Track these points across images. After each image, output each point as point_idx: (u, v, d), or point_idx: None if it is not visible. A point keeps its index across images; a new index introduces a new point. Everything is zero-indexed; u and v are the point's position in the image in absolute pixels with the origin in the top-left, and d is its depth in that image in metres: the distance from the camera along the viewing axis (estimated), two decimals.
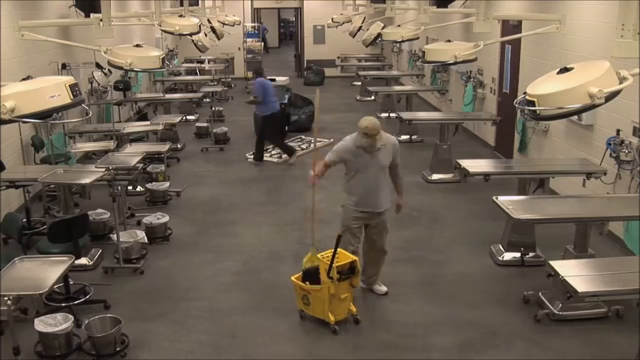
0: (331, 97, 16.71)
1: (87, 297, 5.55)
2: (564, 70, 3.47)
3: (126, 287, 5.93)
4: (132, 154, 7.39)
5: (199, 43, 12.24)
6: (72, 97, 3.68)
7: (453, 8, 10.46)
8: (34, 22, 6.93)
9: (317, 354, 4.86)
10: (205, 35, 12.60)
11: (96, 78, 10.05)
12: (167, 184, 8.44)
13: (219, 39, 14.46)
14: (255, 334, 5.12)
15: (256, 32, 20.16)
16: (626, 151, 6.26)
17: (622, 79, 3.33)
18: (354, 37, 15.52)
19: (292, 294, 5.77)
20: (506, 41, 9.69)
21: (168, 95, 13.07)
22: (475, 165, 6.60)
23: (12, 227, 5.79)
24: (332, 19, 17.48)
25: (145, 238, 6.49)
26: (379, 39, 12.23)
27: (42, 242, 5.73)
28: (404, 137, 10.95)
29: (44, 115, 3.66)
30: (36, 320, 4.61)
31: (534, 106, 3.42)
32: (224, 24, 15.43)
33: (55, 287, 4.46)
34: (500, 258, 6.24)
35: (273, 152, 10.55)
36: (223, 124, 12.74)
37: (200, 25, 7.86)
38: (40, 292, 4.15)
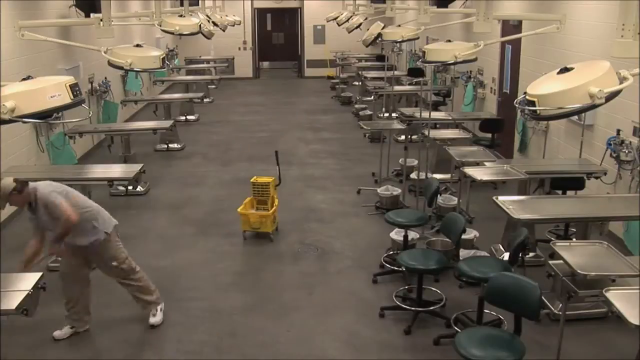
0: (330, 97, 16.75)
1: None
2: (564, 70, 3.46)
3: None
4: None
5: (205, 30, 12.14)
6: (72, 97, 3.67)
7: (453, 8, 10.46)
8: (34, 22, 6.93)
9: (317, 354, 4.86)
10: (209, 20, 12.53)
11: None
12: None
13: (223, 30, 14.47)
14: (255, 334, 5.12)
15: None
16: (626, 151, 6.26)
17: (622, 79, 3.32)
18: (350, 32, 15.47)
19: (293, 293, 5.79)
20: (506, 41, 9.69)
21: (168, 95, 13.07)
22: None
23: None
24: (330, 15, 17.41)
25: None
26: (379, 39, 12.23)
27: None
28: (404, 137, 10.92)
29: (44, 115, 3.65)
30: None
31: (534, 106, 3.41)
32: (225, 24, 15.45)
33: None
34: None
35: None
36: (221, 124, 12.76)
37: (200, 25, 7.84)
38: None
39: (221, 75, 17.02)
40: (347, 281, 6.06)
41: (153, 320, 5.21)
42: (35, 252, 4.79)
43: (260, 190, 6.99)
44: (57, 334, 5.05)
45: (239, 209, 6.99)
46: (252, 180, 7.08)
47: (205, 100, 15.20)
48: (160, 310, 5.28)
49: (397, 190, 7.93)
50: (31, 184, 4.71)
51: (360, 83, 15.46)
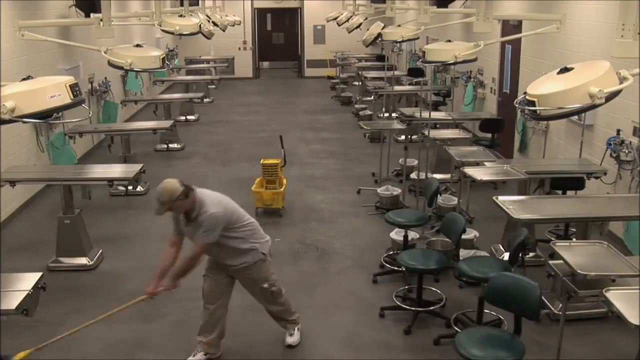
0: (330, 97, 16.75)
1: None
2: (564, 70, 3.46)
3: (126, 287, 5.93)
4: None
5: (205, 30, 12.17)
6: (72, 97, 3.67)
7: (453, 8, 10.46)
8: (34, 22, 6.93)
9: (317, 354, 4.86)
10: (209, 21, 12.55)
11: None
12: None
13: (223, 30, 14.49)
14: (255, 333, 5.12)
15: None
16: (626, 151, 6.27)
17: (622, 79, 3.32)
18: (350, 32, 15.48)
19: (293, 293, 5.77)
20: (506, 41, 9.69)
21: (168, 95, 13.07)
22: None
23: None
24: (330, 15, 17.42)
25: None
26: (379, 39, 12.23)
27: None
28: (404, 137, 10.93)
29: (44, 115, 3.65)
30: None
31: (534, 106, 3.41)
32: (225, 24, 15.47)
33: None
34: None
35: None
36: (221, 124, 12.76)
37: (200, 25, 7.86)
38: None
39: (221, 75, 17.02)
40: (347, 281, 6.06)
41: (290, 340, 4.89)
42: (170, 265, 4.46)
43: (270, 171, 7.77)
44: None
45: (252, 188, 7.70)
46: (261, 161, 7.83)
47: (205, 100, 15.20)
48: (298, 330, 4.95)
49: (397, 190, 7.93)
50: (197, 190, 4.33)
51: (360, 83, 15.46)
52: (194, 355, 4.68)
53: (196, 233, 4.31)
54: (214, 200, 4.37)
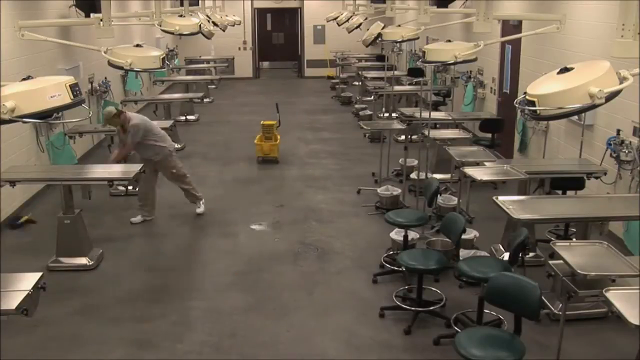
0: (330, 97, 16.76)
1: None
2: (564, 70, 3.46)
3: (126, 287, 5.93)
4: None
5: (205, 30, 12.18)
6: (72, 97, 3.67)
7: (453, 8, 10.46)
8: (34, 22, 6.93)
9: (317, 354, 4.86)
10: (209, 21, 12.54)
11: None
12: None
13: (223, 30, 14.49)
14: (255, 334, 5.12)
15: None
16: (626, 151, 6.27)
17: (622, 79, 3.32)
18: (350, 32, 15.48)
19: (293, 293, 5.79)
20: (506, 41, 9.69)
21: (167, 95, 13.06)
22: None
23: None
24: (330, 15, 17.42)
25: None
26: (379, 39, 12.23)
27: None
28: (404, 137, 10.92)
29: (44, 115, 3.65)
30: None
31: (534, 106, 3.41)
32: (225, 24, 15.46)
33: None
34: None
35: None
36: (221, 124, 12.74)
37: (200, 25, 7.86)
38: None
39: (221, 75, 17.02)
40: (347, 281, 6.06)
41: (199, 210, 7.78)
42: (119, 155, 7.32)
43: (268, 129, 10.15)
44: (133, 219, 7.47)
45: (255, 141, 10.12)
46: (261, 122, 10.13)
47: (205, 100, 15.20)
48: (203, 203, 7.84)
49: (397, 190, 7.93)
50: (128, 113, 7.36)
51: (360, 83, 15.46)
52: (135, 217, 7.50)
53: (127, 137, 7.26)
54: (137, 117, 7.32)
